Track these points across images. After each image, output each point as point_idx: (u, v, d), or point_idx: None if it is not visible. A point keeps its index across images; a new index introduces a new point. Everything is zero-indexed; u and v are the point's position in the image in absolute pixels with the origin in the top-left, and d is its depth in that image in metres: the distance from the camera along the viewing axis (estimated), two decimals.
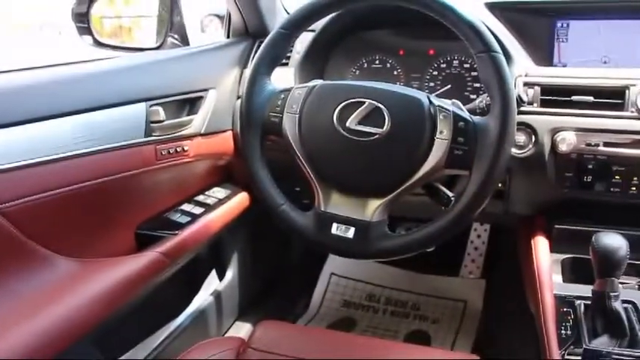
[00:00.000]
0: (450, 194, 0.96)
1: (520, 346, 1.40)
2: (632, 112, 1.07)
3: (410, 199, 1.09)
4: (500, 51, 0.90)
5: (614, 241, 0.90)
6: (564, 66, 1.26)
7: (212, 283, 1.61)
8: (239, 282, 1.67)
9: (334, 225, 0.94)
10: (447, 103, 0.93)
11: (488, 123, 0.88)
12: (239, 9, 1.41)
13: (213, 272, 1.62)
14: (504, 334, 1.63)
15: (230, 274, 1.64)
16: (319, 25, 1.29)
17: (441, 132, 0.90)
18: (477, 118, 0.91)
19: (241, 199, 1.43)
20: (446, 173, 0.92)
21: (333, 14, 1.21)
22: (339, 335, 1.22)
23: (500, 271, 1.88)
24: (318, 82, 1.00)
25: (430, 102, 0.92)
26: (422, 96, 0.93)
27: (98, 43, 1.31)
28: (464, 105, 0.95)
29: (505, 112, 0.87)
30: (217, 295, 1.58)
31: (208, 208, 1.32)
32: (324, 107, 0.95)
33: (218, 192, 1.41)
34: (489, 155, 0.86)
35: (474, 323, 1.83)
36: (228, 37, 1.53)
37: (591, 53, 1.25)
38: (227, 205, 1.37)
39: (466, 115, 0.91)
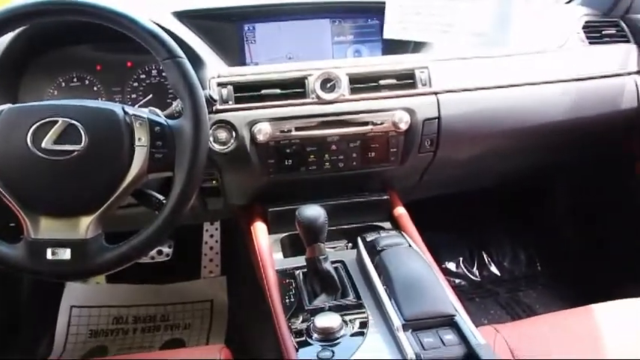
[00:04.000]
0: (161, 198, 0.99)
1: (267, 327, 1.50)
2: (313, 98, 1.21)
3: (129, 211, 1.09)
4: (184, 56, 0.95)
5: (313, 211, 1.02)
6: (256, 65, 1.36)
7: None
8: None
9: (48, 250, 0.90)
10: (142, 111, 0.95)
11: (183, 125, 0.93)
12: None
13: None
14: (252, 320, 1.72)
15: None
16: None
17: (139, 139, 0.92)
18: (172, 122, 0.95)
19: None
20: (150, 178, 0.94)
21: (14, 34, 1.14)
22: None
23: (238, 264, 1.97)
24: (5, 106, 0.94)
25: (125, 112, 0.93)
26: (116, 107, 0.94)
27: None
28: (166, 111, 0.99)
29: (196, 113, 0.93)
30: None
31: None
32: (15, 132, 0.90)
33: None
34: (188, 154, 0.91)
35: (224, 318, 1.90)
36: None
37: (278, 51, 1.39)
38: None
39: (162, 119, 0.95)
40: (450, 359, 0.84)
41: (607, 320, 1.10)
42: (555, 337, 1.07)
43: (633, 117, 1.48)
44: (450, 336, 0.87)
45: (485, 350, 0.84)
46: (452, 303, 0.94)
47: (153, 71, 1.33)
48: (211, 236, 2.05)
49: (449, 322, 0.90)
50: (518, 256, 2.07)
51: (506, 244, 2.10)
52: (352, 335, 0.92)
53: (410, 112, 1.23)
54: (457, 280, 2.00)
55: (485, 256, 2.08)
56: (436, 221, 1.86)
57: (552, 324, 1.12)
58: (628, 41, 1.52)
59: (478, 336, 0.87)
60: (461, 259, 2.06)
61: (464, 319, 0.91)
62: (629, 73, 1.47)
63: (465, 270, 2.04)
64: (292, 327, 0.96)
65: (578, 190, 1.98)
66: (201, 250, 2.05)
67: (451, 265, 2.04)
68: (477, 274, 2.04)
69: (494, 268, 2.05)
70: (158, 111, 1.00)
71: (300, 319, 0.98)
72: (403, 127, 1.22)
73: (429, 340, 0.86)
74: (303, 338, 0.92)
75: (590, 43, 1.48)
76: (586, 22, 1.51)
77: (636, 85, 1.47)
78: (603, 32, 1.51)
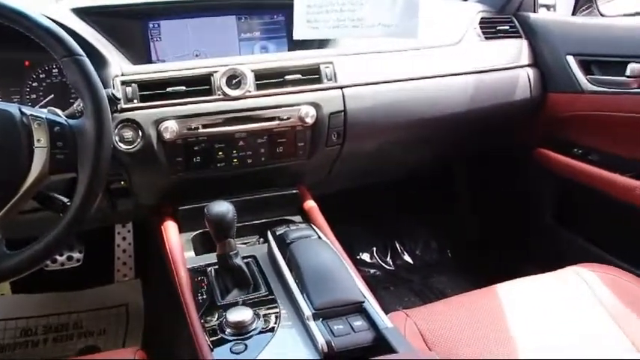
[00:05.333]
0: (65, 200, 0.96)
1: (184, 328, 1.49)
2: (219, 95, 1.20)
3: (33, 216, 1.05)
4: (83, 54, 0.93)
5: (221, 207, 1.02)
6: (162, 62, 1.34)
7: None
8: None
9: None
10: (40, 112, 0.92)
11: (84, 124, 0.91)
12: None
13: None
14: (168, 321, 1.70)
15: None
16: None
17: (38, 140, 0.89)
18: (73, 121, 0.92)
19: None
20: (53, 180, 0.91)
21: None
22: None
23: (153, 265, 1.94)
24: None
25: (22, 112, 0.90)
26: (12, 108, 0.90)
27: None
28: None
29: (97, 111, 0.91)
30: None
31: None
32: None
33: None
34: (91, 154, 0.89)
35: (140, 322, 1.86)
36: None
37: (184, 48, 1.37)
38: None
39: (62, 119, 0.92)
40: (360, 344, 0.87)
41: (508, 297, 1.17)
42: (463, 317, 1.12)
43: (526, 107, 1.58)
44: (359, 322, 0.90)
45: (393, 333, 0.87)
46: (360, 290, 0.97)
47: (54, 70, 1.28)
48: (124, 239, 2.00)
49: (358, 308, 0.93)
50: (429, 245, 2.16)
51: (418, 233, 2.19)
52: (264, 328, 0.93)
53: (316, 106, 1.25)
54: (372, 270, 2.06)
55: (398, 245, 2.15)
56: (350, 214, 1.92)
57: (459, 305, 1.18)
58: (520, 36, 1.61)
59: (386, 320, 0.91)
60: (375, 249, 2.13)
61: (372, 305, 0.94)
62: (522, 66, 1.57)
63: (379, 260, 2.10)
64: (206, 325, 0.95)
65: (479, 179, 2.08)
66: (114, 254, 1.99)
67: (365, 256, 2.10)
68: (391, 263, 2.11)
69: (407, 257, 2.13)
70: (58, 111, 0.97)
71: (213, 315, 0.98)
72: (309, 121, 1.24)
73: (339, 327, 0.89)
74: (218, 336, 0.92)
75: (486, 38, 1.56)
76: (482, 19, 1.59)
77: (528, 77, 1.56)
78: (498, 28, 1.60)
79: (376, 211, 2.15)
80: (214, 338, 0.92)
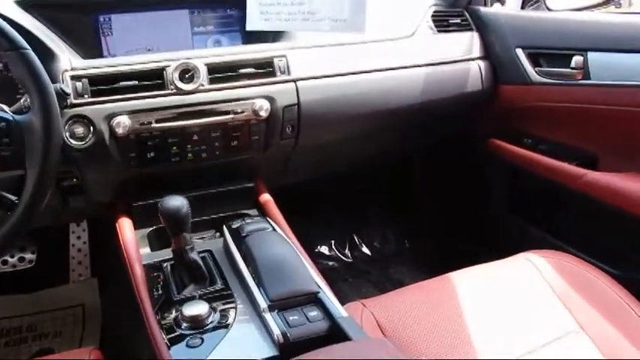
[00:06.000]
0: (14, 198, 0.94)
1: (141, 326, 1.47)
2: (172, 89, 1.19)
3: None
4: (29, 47, 0.91)
5: (175, 202, 1.01)
6: (114, 57, 1.32)
7: None
8: None
9: None
10: None
11: (32, 119, 0.89)
12: None
13: None
14: (127, 320, 1.67)
15: None
16: None
17: None
18: (20, 117, 0.91)
19: None
20: None
21: None
22: None
23: (109, 263, 1.91)
24: None
25: None
26: None
27: None
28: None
29: (44, 107, 0.89)
30: None
31: None
32: None
33: None
34: (39, 151, 0.88)
35: (97, 322, 1.83)
36: None
37: (137, 43, 1.35)
38: None
39: (7, 115, 0.90)
40: (315, 334, 0.87)
41: (462, 284, 1.19)
42: (419, 304, 1.14)
43: (478, 99, 1.62)
44: (314, 312, 0.91)
45: (348, 322, 0.88)
46: (315, 281, 0.98)
47: None
48: (78, 238, 1.96)
49: (313, 299, 0.94)
50: (387, 236, 2.18)
51: (376, 224, 2.21)
52: (221, 321, 0.93)
53: (270, 99, 1.26)
54: (330, 263, 2.08)
55: (356, 238, 2.18)
56: (308, 207, 1.92)
57: (415, 293, 1.20)
58: (472, 30, 1.64)
59: (341, 309, 0.92)
60: (333, 242, 2.14)
61: (328, 295, 0.95)
62: (474, 59, 1.60)
63: (338, 252, 2.12)
64: (162, 321, 0.95)
65: (435, 169, 2.12)
66: (69, 254, 1.95)
67: (324, 249, 2.11)
68: (350, 255, 2.13)
69: (365, 249, 2.15)
70: (4, 106, 0.95)
71: (170, 311, 0.97)
72: (264, 114, 1.25)
73: (294, 318, 0.89)
74: (175, 333, 0.92)
75: (438, 31, 1.59)
76: (434, 12, 1.62)
77: (480, 69, 1.60)
78: (450, 21, 1.63)
79: (334, 204, 2.16)
80: (172, 335, 0.91)
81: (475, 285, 1.21)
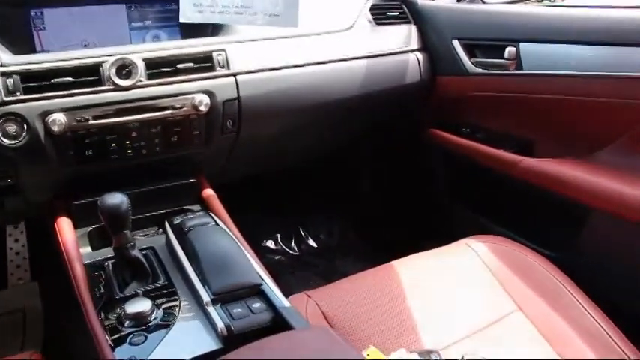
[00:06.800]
0: None
1: (84, 327, 1.44)
2: (109, 85, 1.17)
3: None
4: None
5: (115, 199, 1.00)
6: (48, 52, 1.28)
7: None
8: None
9: None
10: None
11: None
12: None
13: None
14: (71, 322, 1.64)
15: None
16: None
17: None
18: None
19: None
20: None
21: None
22: None
23: (51, 266, 1.86)
24: None
25: None
26: None
27: None
28: None
29: None
30: None
31: None
32: None
33: None
34: None
35: (39, 326, 1.78)
36: None
37: (72, 38, 1.31)
38: None
39: None
40: (258, 325, 0.88)
41: (405, 272, 1.23)
42: (363, 293, 1.16)
43: (417, 90, 1.65)
44: (257, 304, 0.92)
45: (291, 312, 0.89)
46: (258, 273, 0.98)
47: None
48: (16, 240, 1.90)
49: (256, 291, 0.95)
50: (332, 228, 2.21)
51: (321, 216, 2.23)
52: (164, 317, 0.94)
53: (209, 94, 1.25)
54: (277, 257, 2.08)
55: (302, 230, 2.19)
56: (253, 202, 1.92)
57: (359, 282, 1.22)
58: (409, 22, 1.68)
59: (284, 300, 0.93)
60: (279, 236, 2.15)
61: (271, 287, 0.96)
62: (412, 51, 1.64)
63: (284, 246, 2.13)
64: (106, 321, 0.94)
65: (378, 161, 2.15)
66: (6, 257, 1.89)
67: (270, 243, 2.12)
68: (296, 248, 2.14)
69: (311, 242, 2.17)
70: None
71: (113, 310, 0.96)
72: (203, 109, 1.24)
73: (237, 310, 0.90)
74: (119, 332, 0.91)
75: (377, 24, 1.61)
76: (372, 5, 1.64)
77: (418, 61, 1.63)
78: (388, 14, 1.65)
79: (279, 198, 2.17)
80: (116, 335, 0.90)
81: (418, 271, 1.24)
